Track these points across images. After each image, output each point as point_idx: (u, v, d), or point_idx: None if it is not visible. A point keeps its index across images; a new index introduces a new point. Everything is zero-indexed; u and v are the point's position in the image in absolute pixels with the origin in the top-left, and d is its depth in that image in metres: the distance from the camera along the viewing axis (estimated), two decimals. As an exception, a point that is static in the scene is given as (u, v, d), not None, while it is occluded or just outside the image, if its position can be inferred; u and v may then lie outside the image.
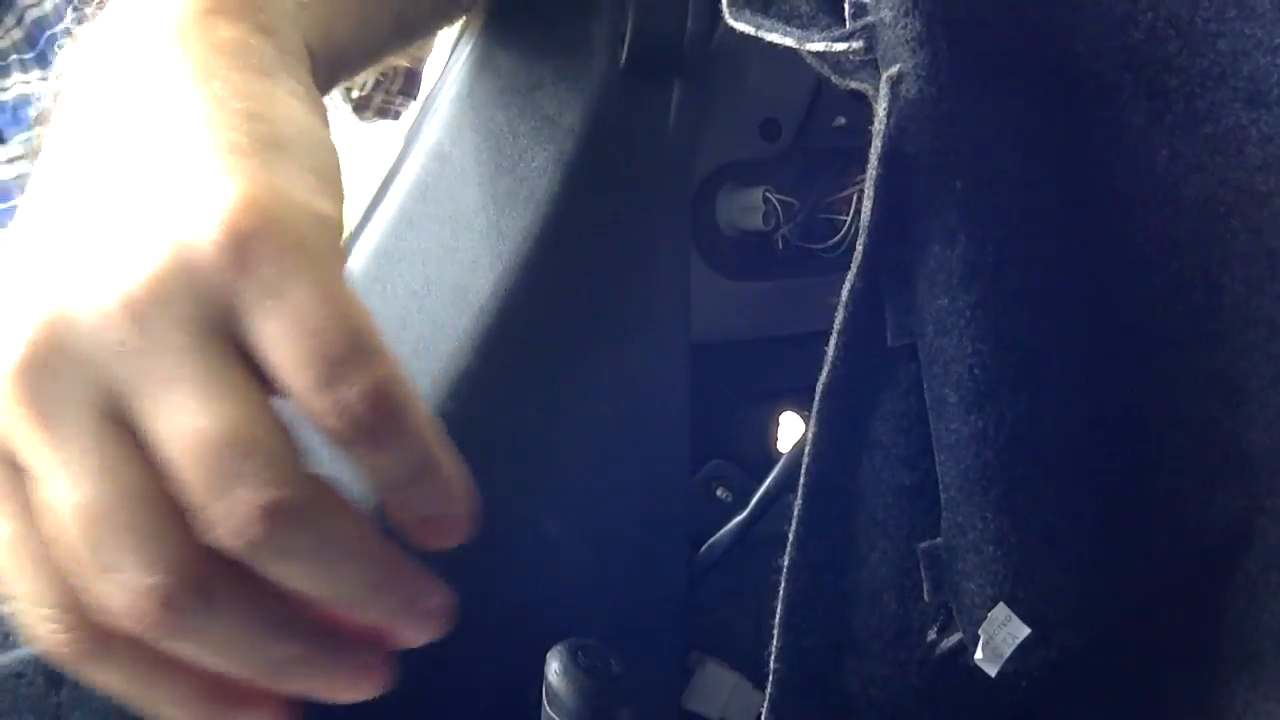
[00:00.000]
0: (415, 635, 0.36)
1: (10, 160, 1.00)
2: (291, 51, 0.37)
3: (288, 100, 0.35)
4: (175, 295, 0.31)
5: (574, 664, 0.41)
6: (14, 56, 1.01)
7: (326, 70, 0.41)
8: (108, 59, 0.36)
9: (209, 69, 0.34)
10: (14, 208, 0.92)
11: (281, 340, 0.31)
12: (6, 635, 0.58)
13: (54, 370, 0.31)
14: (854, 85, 0.44)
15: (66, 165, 0.34)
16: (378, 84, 0.90)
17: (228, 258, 0.31)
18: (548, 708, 0.42)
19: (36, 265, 0.33)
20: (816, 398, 0.44)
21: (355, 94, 0.91)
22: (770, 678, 0.46)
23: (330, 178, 0.35)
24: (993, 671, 0.44)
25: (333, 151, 0.36)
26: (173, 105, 0.33)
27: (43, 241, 0.33)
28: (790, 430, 0.54)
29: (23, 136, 1.01)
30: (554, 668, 0.41)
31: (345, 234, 0.36)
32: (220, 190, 0.31)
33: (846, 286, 0.42)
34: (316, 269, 0.31)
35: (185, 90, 0.34)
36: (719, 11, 0.47)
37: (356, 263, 0.52)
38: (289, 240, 0.31)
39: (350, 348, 0.31)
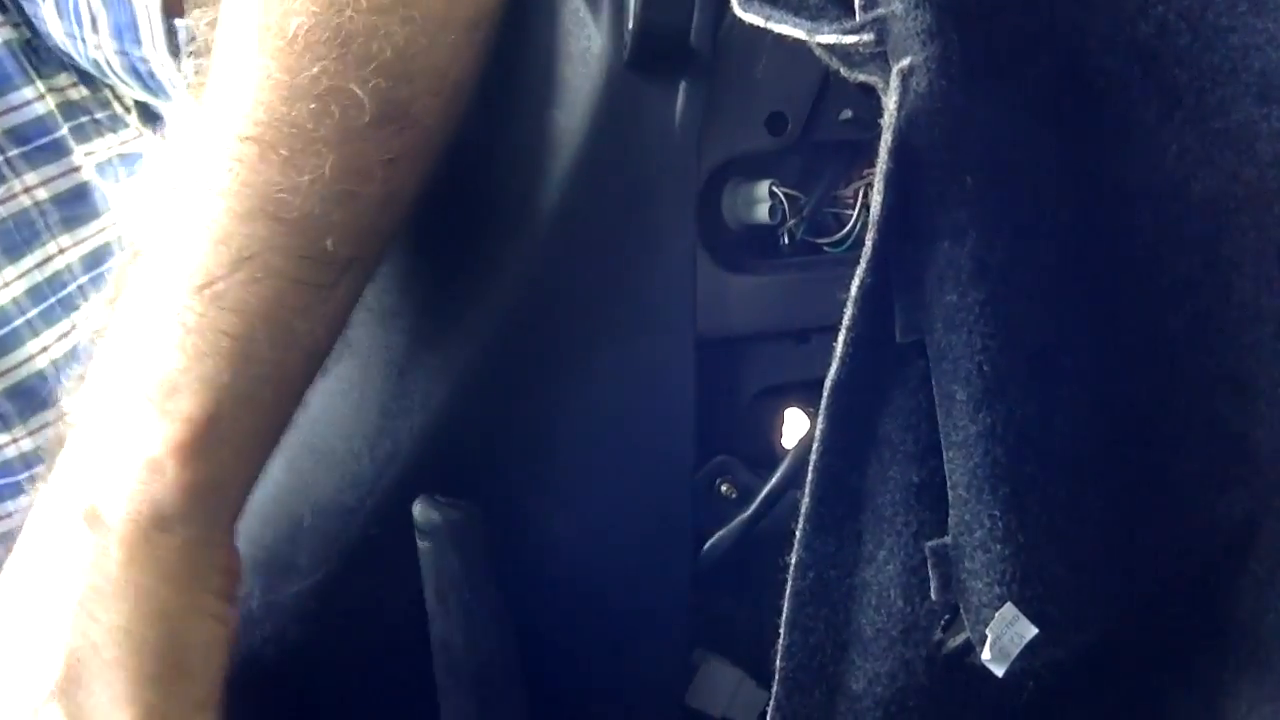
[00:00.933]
0: None
1: None
2: (213, 555, 0.46)
3: (196, 616, 0.45)
4: None
5: (433, 500, 0.48)
6: None
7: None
8: (55, 555, 0.45)
9: (151, 605, 0.44)
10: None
11: None
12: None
13: None
14: (863, 78, 0.43)
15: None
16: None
17: None
18: (419, 541, 0.49)
19: None
20: (824, 394, 0.43)
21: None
22: (776, 675, 0.46)
23: (211, 680, 0.46)
24: (1000, 671, 0.43)
25: (219, 655, 0.46)
26: (116, 647, 0.44)
27: None
28: (795, 426, 0.54)
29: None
30: (417, 508, 0.48)
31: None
32: None
33: (856, 282, 0.42)
34: None
35: (127, 630, 0.44)
36: (725, 2, 0.46)
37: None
38: None
39: None
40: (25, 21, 0.89)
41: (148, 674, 0.44)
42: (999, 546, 0.43)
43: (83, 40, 0.86)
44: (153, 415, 0.44)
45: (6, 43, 0.89)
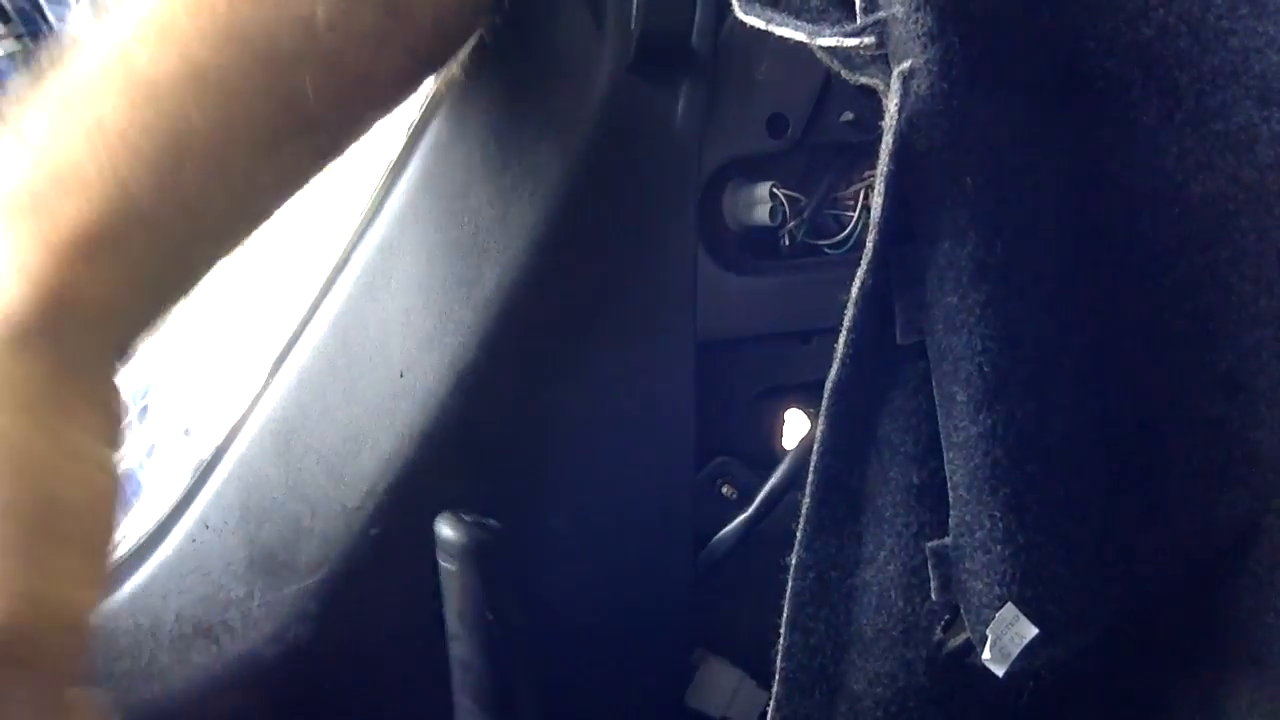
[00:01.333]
0: None
1: None
2: (91, 387, 0.38)
3: (72, 465, 0.36)
4: None
5: (459, 518, 0.47)
6: None
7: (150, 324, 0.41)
8: None
9: (13, 452, 0.35)
10: None
11: None
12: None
13: None
14: (864, 80, 0.43)
15: None
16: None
17: None
18: (441, 561, 0.47)
19: None
20: (825, 395, 0.43)
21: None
22: (776, 675, 0.46)
23: (96, 550, 0.37)
24: (1000, 671, 0.43)
25: (106, 516, 0.37)
26: None
27: None
28: (795, 427, 0.54)
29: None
30: (442, 524, 0.47)
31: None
32: None
33: (856, 284, 0.42)
34: (38, 687, 0.35)
35: None
36: (726, 5, 0.46)
37: (362, 256, 0.52)
38: (24, 657, 0.35)
39: None
40: (30, 34, 0.89)
41: (14, 547, 0.35)
42: (999, 547, 0.43)
43: None
44: (31, 207, 0.37)
45: (10, 55, 0.89)
